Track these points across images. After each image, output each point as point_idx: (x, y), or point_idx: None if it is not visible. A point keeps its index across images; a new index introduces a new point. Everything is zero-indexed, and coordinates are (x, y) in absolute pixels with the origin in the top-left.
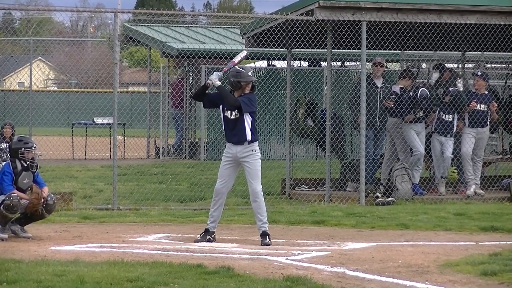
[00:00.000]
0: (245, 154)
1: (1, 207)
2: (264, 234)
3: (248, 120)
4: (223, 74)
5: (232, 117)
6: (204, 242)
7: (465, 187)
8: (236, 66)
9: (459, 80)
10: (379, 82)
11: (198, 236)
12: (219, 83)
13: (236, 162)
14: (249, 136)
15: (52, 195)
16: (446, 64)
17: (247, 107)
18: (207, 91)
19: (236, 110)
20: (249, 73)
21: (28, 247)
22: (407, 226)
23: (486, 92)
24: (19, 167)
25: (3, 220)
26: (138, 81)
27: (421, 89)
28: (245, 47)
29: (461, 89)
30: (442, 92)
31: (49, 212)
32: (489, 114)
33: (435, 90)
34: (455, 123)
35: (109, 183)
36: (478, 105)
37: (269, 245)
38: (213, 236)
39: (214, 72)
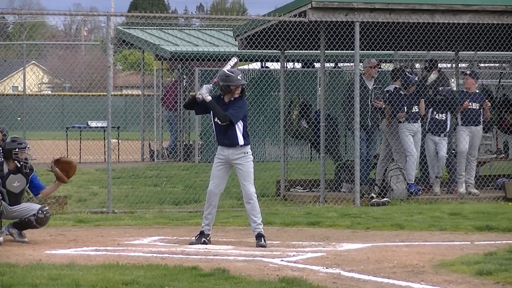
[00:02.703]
0: (237, 156)
1: None
2: (259, 236)
3: (239, 125)
4: (213, 86)
5: (223, 124)
6: (199, 245)
7: (456, 185)
8: (225, 70)
9: (453, 80)
10: (370, 84)
11: (193, 238)
12: (209, 98)
13: (228, 163)
14: (241, 141)
15: (46, 208)
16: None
17: (237, 118)
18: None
19: None
20: (239, 77)
21: (23, 251)
22: (402, 226)
23: (478, 91)
24: (5, 170)
25: None
26: (132, 84)
27: (410, 76)
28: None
29: (454, 88)
30: (432, 92)
31: (40, 224)
32: (482, 113)
33: (432, 91)
34: (449, 122)
35: (104, 186)
36: (471, 103)
37: (264, 246)
38: (208, 238)
39: (204, 86)
